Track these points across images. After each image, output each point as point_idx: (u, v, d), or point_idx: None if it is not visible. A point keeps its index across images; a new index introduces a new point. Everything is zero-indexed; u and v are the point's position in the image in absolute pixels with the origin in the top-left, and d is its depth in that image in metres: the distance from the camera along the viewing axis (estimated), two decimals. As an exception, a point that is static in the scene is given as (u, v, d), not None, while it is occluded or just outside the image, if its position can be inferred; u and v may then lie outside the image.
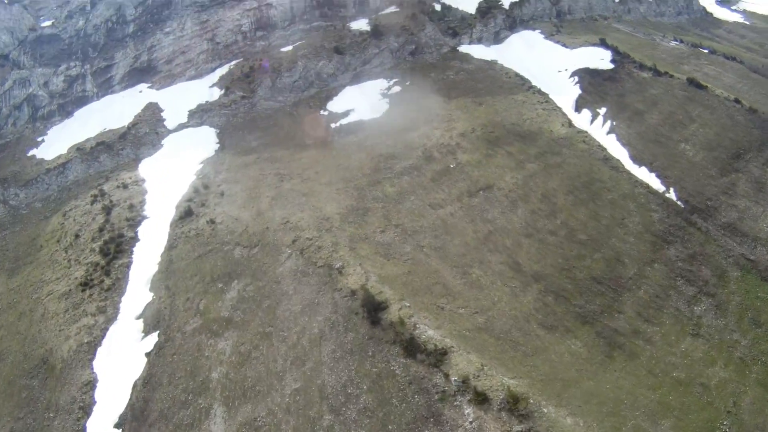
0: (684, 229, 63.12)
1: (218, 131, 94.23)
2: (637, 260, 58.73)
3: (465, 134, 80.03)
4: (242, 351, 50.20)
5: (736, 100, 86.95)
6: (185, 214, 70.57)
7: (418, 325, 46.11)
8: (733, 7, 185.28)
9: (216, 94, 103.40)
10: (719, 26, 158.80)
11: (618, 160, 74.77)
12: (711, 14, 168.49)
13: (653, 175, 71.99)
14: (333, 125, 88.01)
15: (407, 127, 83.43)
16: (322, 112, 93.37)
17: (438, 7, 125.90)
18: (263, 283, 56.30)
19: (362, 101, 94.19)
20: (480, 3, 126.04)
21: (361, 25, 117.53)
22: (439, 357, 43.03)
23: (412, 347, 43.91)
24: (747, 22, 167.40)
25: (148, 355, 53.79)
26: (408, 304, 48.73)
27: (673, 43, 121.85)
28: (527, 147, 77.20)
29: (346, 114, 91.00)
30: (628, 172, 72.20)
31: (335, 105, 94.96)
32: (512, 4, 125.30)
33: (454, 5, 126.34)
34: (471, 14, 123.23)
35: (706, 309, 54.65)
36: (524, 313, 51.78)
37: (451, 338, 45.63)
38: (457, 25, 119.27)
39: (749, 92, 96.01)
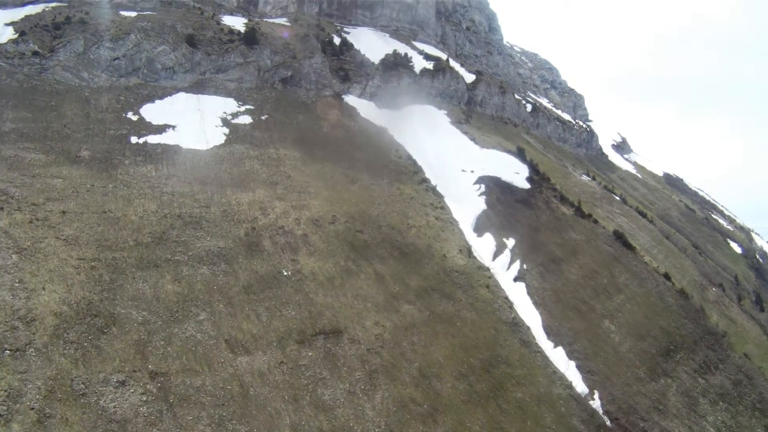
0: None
1: (-25, 92, 60.46)
2: None
3: (320, 222, 53.37)
4: None
5: (666, 276, 70.38)
6: None
7: None
8: (626, 156, 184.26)
9: (5, 36, 69.53)
10: (614, 171, 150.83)
11: (529, 329, 52.21)
12: (606, 156, 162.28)
13: (573, 365, 51.07)
14: (134, 139, 57.37)
15: (238, 182, 55.37)
16: (130, 114, 62.36)
17: (337, 41, 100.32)
18: None
19: (192, 120, 64.12)
20: (387, 55, 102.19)
21: (236, 23, 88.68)
22: None
23: None
24: (639, 176, 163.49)
25: None
26: None
27: (584, 178, 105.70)
28: (408, 273, 51.70)
29: (161, 129, 60.46)
30: (543, 355, 49.57)
31: (153, 111, 63.99)
32: (423, 71, 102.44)
33: (356, 45, 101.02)
34: (373, 63, 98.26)
35: None
36: None
37: None
38: (352, 69, 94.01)
39: (664, 262, 79.76)
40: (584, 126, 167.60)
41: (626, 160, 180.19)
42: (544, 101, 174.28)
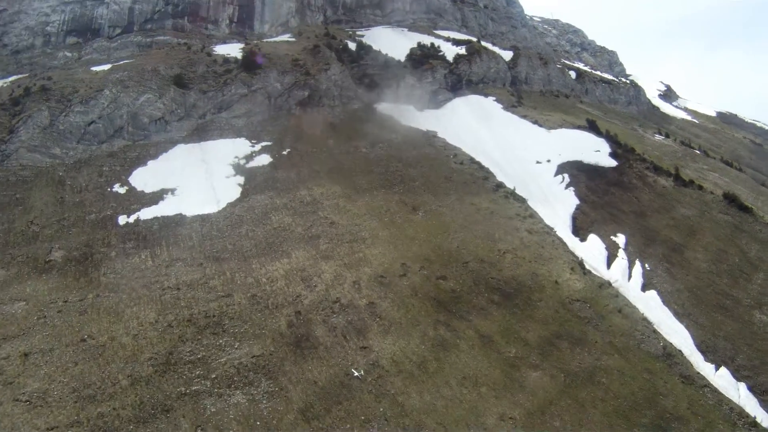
0: None
1: None
2: None
3: (387, 279, 38.63)
4: None
5: (795, 237, 57.02)
6: None
7: None
8: (674, 104, 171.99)
9: (-45, 126, 57.11)
10: (670, 122, 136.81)
11: (683, 355, 36.89)
12: (657, 108, 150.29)
13: (743, 387, 36.55)
14: (123, 219, 43.68)
15: (265, 247, 41.17)
16: (116, 187, 48.63)
17: (352, 46, 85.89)
18: None
19: (196, 175, 50.42)
20: (412, 49, 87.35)
21: (231, 50, 75.17)
22: None
23: None
24: (695, 121, 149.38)
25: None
26: None
27: (658, 137, 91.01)
28: (519, 321, 36.76)
29: (157, 198, 46.67)
30: (712, 387, 34.86)
31: (146, 176, 50.33)
32: (458, 58, 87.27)
33: (375, 46, 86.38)
34: (399, 62, 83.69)
35: None
36: None
37: None
38: (377, 74, 79.55)
39: (768, 216, 64.61)
40: (628, 82, 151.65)
41: (676, 107, 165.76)
42: (581, 65, 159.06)
